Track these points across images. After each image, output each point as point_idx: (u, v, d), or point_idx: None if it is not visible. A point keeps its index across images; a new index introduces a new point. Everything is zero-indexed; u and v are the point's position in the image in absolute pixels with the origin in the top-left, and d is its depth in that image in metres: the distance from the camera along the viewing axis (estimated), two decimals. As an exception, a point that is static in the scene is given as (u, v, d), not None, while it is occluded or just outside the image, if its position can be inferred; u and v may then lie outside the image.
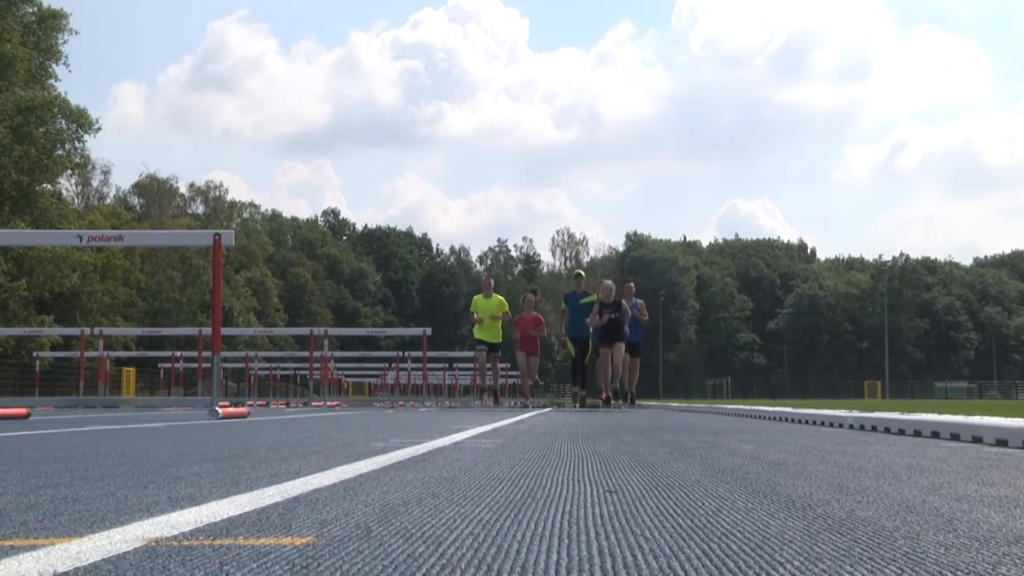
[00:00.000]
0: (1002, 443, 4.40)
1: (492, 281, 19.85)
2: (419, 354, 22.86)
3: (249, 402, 22.43)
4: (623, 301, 17.28)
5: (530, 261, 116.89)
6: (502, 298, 19.13)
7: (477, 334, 18.91)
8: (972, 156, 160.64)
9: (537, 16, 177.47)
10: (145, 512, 2.03)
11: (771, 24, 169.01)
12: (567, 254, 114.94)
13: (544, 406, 23.04)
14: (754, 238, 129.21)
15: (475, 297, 19.15)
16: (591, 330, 17.27)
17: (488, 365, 19.21)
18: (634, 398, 18.57)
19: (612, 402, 17.33)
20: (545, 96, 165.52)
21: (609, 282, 17.89)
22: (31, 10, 42.04)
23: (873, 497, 2.30)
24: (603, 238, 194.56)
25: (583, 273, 19.78)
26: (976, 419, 5.07)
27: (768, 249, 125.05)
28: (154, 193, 78.63)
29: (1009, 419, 5.14)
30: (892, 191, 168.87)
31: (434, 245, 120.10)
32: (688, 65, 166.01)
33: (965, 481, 2.73)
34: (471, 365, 39.44)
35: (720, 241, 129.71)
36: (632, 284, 18.60)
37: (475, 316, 18.73)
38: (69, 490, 2.45)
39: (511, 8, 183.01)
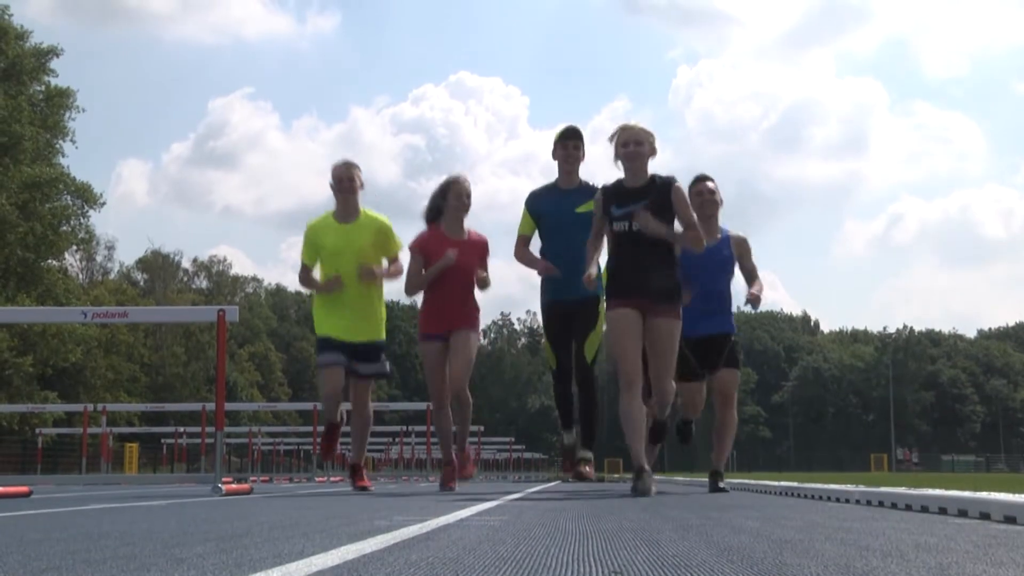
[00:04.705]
0: (1010, 520, 4.37)
1: (360, 175, 8.22)
2: (423, 428, 22.70)
3: (252, 478, 22.29)
4: (676, 198, 6.38)
5: (534, 334, 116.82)
6: (384, 220, 8.29)
7: (318, 323, 8.32)
8: (969, 229, 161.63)
9: (537, 94, 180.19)
10: (148, 595, 2.02)
11: (766, 101, 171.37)
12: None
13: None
14: (757, 311, 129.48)
15: (313, 222, 8.35)
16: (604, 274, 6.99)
17: (341, 412, 8.50)
18: (720, 476, 8.07)
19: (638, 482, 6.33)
20: (544, 170, 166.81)
21: (635, 124, 6.54)
22: (39, 88, 42.69)
23: (880, 577, 2.28)
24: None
25: (580, 132, 8.20)
26: (983, 495, 5.03)
27: (772, 322, 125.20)
28: (158, 268, 79.10)
29: (1017, 495, 5.10)
30: (891, 264, 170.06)
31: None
32: (684, 140, 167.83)
33: (973, 560, 2.72)
34: (474, 439, 38.06)
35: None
36: (711, 184, 7.86)
37: (309, 271, 8.26)
38: (71, 574, 2.44)
39: (511, 86, 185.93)
